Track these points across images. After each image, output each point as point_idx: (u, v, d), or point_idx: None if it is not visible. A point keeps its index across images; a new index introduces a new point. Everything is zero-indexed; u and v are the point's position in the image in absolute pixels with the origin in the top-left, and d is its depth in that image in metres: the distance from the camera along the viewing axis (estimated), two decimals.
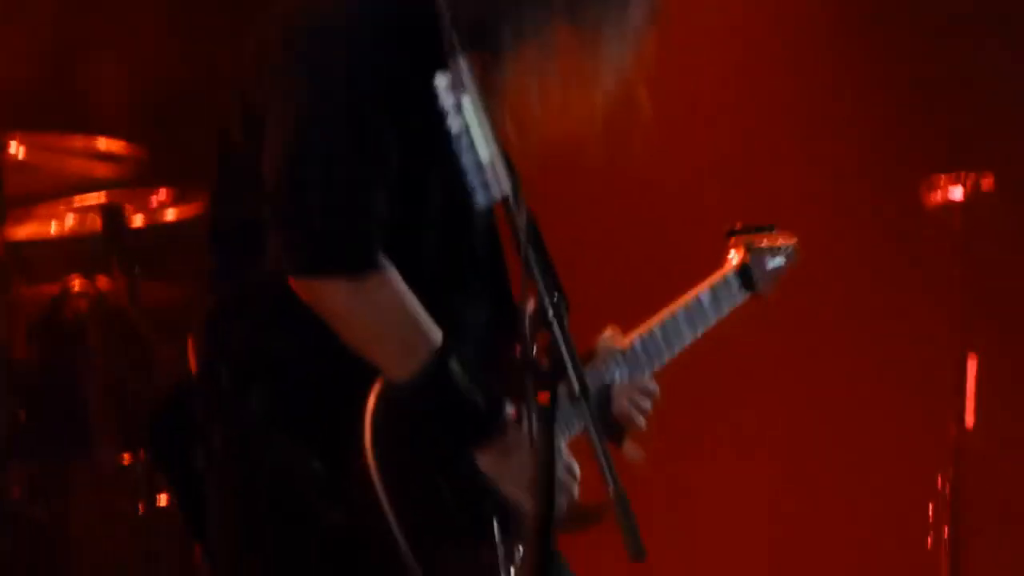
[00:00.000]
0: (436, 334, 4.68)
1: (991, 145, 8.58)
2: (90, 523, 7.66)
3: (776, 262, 5.64)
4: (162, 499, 7.67)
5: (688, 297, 5.39)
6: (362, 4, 4.76)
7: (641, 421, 5.20)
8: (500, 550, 4.70)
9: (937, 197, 7.58)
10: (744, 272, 5.56)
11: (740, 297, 5.55)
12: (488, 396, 4.75)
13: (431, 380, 4.68)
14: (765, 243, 5.64)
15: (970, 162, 7.66)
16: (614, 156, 4.87)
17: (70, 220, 8.11)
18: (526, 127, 4.82)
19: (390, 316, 4.68)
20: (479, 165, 4.42)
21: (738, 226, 5.64)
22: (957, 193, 7.54)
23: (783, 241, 5.70)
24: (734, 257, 5.59)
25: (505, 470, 4.76)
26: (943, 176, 7.60)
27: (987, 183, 7.55)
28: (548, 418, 4.28)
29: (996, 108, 8.82)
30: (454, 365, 4.69)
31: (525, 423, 4.40)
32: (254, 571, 4.79)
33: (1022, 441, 8.66)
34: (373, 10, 4.74)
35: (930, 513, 7.59)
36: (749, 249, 5.59)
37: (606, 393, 5.19)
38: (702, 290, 5.43)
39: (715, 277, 5.51)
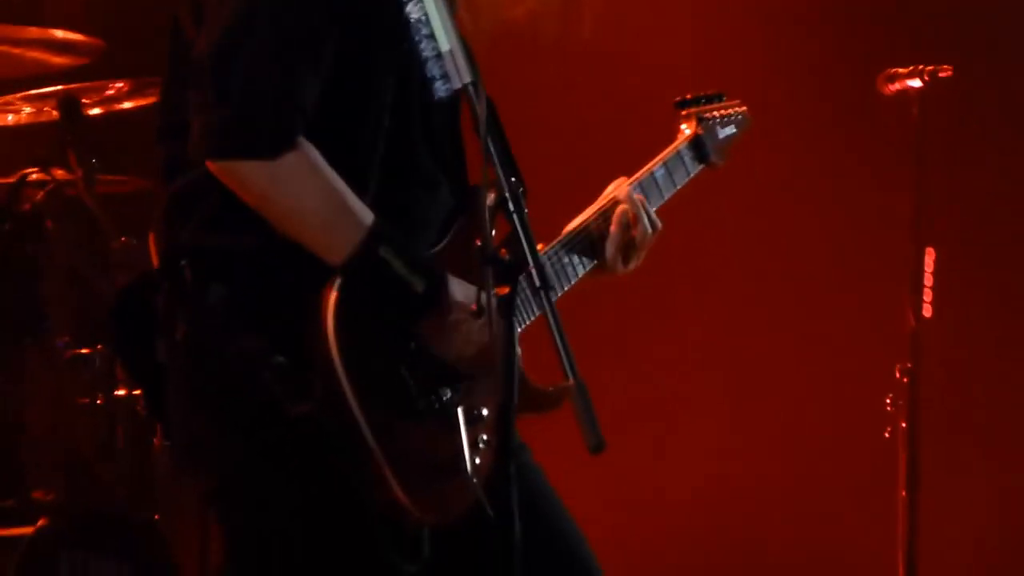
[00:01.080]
0: (365, 216, 4.68)
1: (951, 38, 8.55)
2: (44, 410, 7.64)
3: (727, 131, 5.63)
4: (121, 391, 7.66)
5: (642, 173, 5.34)
6: None
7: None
8: (464, 436, 4.67)
9: (895, 88, 7.54)
10: (697, 143, 5.54)
11: (693, 169, 5.52)
12: (428, 275, 4.73)
13: (362, 263, 4.68)
14: (716, 113, 5.61)
15: (929, 57, 7.62)
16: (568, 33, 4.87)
17: (26, 111, 8.06)
18: (479, 8, 4.80)
19: (310, 198, 4.69)
20: (439, 54, 4.42)
21: (688, 96, 5.60)
22: (915, 84, 7.50)
23: (733, 109, 5.68)
24: (686, 129, 5.57)
25: (451, 350, 4.76)
26: (901, 69, 7.56)
27: (945, 74, 7.51)
28: (507, 311, 4.30)
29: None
30: (386, 248, 4.67)
31: (483, 313, 4.44)
32: (217, 461, 4.76)
33: (979, 331, 8.68)
34: None
35: (888, 404, 7.59)
36: (700, 120, 5.57)
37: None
38: (655, 165, 5.39)
39: (668, 151, 5.47)
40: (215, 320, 4.70)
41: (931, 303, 7.55)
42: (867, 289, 8.59)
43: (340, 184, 4.67)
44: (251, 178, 4.64)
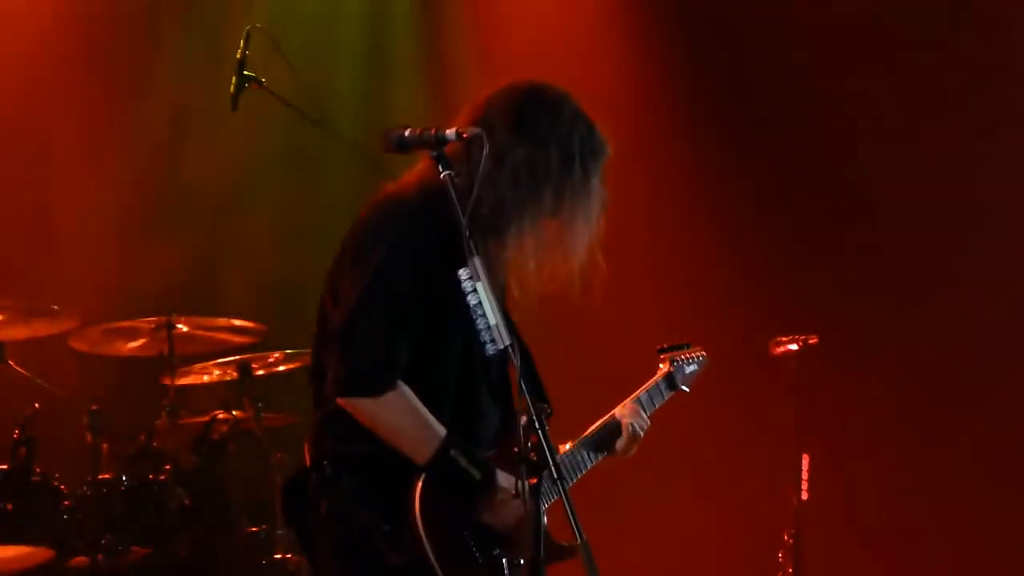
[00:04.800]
0: (441, 431, 4.73)
1: (818, 312, 8.55)
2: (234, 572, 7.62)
3: (691, 368, 5.58)
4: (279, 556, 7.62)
5: (634, 396, 5.35)
6: (409, 220, 4.78)
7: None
8: None
9: (780, 350, 7.53)
10: (669, 378, 5.50)
11: (667, 394, 5.49)
12: (482, 468, 4.76)
13: (439, 462, 4.71)
14: (683, 355, 5.59)
15: (802, 327, 7.61)
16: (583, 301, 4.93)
17: (216, 373, 8.07)
18: (526, 288, 4.86)
19: (403, 421, 4.72)
20: (488, 326, 4.47)
21: (665, 345, 5.60)
22: (793, 347, 7.49)
23: (696, 353, 5.65)
24: (663, 367, 5.54)
25: (499, 520, 4.76)
26: (783, 337, 7.55)
27: (813, 341, 7.50)
28: (536, 493, 4.29)
29: (821, 285, 8.82)
30: (455, 451, 4.72)
31: (520, 496, 4.39)
32: None
33: (840, 508, 8.59)
34: (413, 223, 4.77)
35: (780, 557, 7.50)
36: (672, 361, 5.54)
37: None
38: (641, 393, 5.39)
39: (650, 383, 5.45)
40: (345, 500, 4.74)
41: (807, 489, 7.47)
42: (763, 482, 8.48)
43: (424, 412, 4.75)
44: (364, 410, 4.71)
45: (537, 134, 4.82)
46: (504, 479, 4.78)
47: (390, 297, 4.70)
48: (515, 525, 4.75)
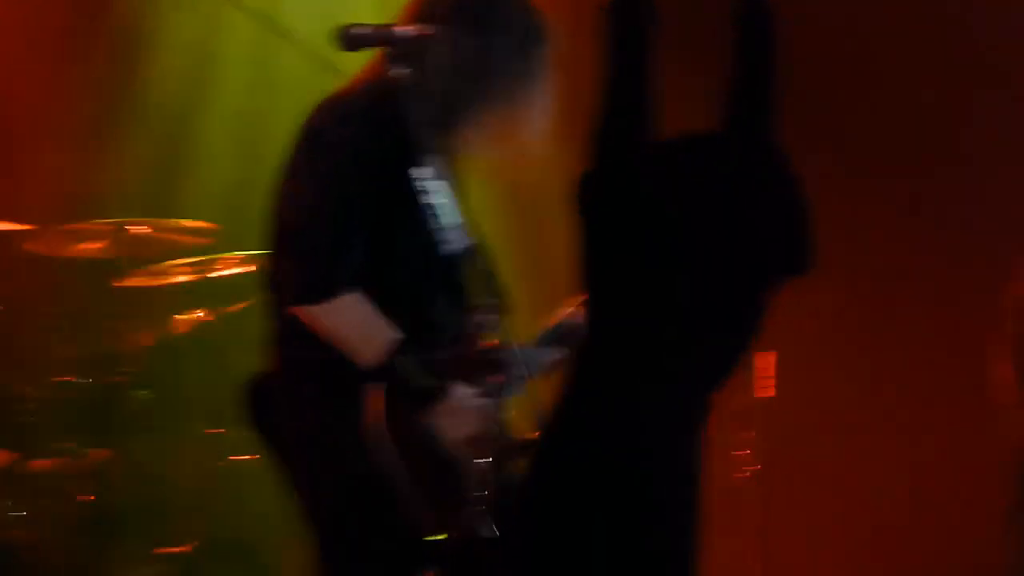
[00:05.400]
0: (393, 334, 4.67)
1: None
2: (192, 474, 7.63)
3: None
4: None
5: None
6: (355, 119, 4.71)
7: None
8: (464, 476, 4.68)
9: None
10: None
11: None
12: (435, 375, 4.71)
13: (389, 366, 4.65)
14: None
15: None
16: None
17: (171, 274, 7.99)
18: (482, 182, 4.86)
19: (354, 326, 4.66)
20: (444, 226, 4.45)
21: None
22: None
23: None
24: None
25: (446, 428, 4.70)
26: None
27: None
28: (496, 392, 4.30)
29: None
30: (403, 355, 4.65)
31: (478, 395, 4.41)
32: (322, 497, 4.77)
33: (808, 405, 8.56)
34: (358, 123, 4.70)
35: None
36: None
37: None
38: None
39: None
40: (308, 406, 4.74)
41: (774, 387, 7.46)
42: None
43: (376, 316, 4.69)
44: (314, 316, 4.67)
45: (481, 24, 4.76)
46: (460, 384, 4.73)
47: (336, 200, 4.63)
48: (473, 428, 4.69)
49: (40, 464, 7.31)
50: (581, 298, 5.10)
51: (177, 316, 7.72)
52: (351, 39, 4.55)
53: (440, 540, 4.63)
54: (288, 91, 8.65)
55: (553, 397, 4.55)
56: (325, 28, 4.55)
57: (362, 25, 4.57)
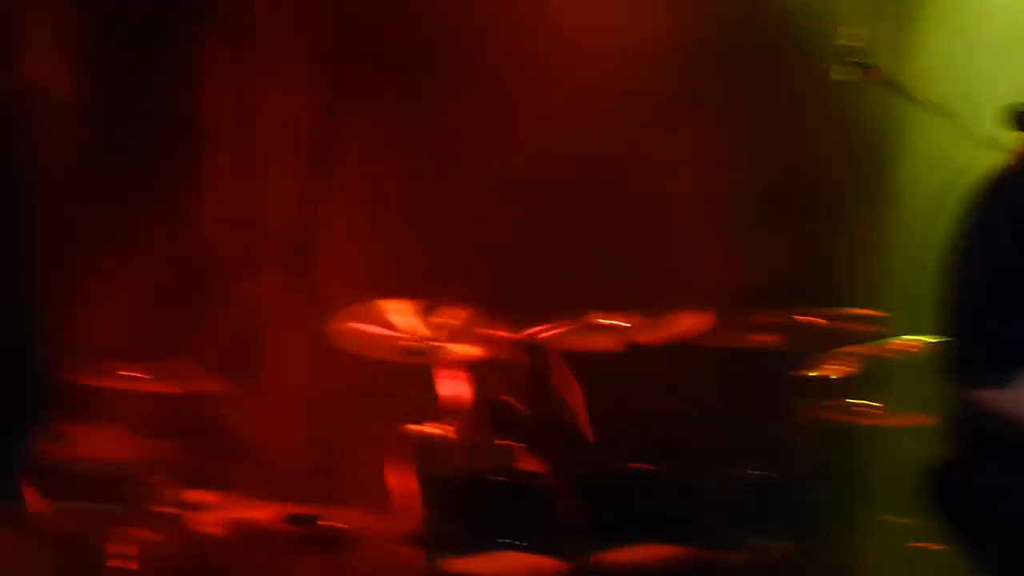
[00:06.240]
0: None
1: None
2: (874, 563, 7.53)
3: None
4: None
5: None
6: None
7: None
8: None
9: None
10: None
11: None
12: None
13: None
14: None
15: None
16: None
17: (838, 364, 7.97)
18: None
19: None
20: None
21: None
22: None
23: None
24: None
25: None
26: None
27: None
28: None
29: None
30: None
31: None
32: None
33: None
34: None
35: None
36: None
37: None
38: None
39: None
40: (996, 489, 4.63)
41: None
42: None
43: None
44: (994, 399, 4.56)
45: None
46: None
47: (1010, 276, 4.53)
48: None
49: (718, 557, 7.40)
50: None
51: (849, 403, 7.69)
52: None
53: None
54: (935, 166, 8.53)
55: None
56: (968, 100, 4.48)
57: None
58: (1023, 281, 4.50)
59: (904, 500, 7.48)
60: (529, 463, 7.12)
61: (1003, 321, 4.51)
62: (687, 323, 7.80)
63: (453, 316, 7.41)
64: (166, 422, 7.42)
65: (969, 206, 4.66)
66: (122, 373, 7.18)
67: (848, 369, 7.94)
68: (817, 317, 7.80)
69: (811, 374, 7.90)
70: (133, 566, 6.89)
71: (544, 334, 7.57)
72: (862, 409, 7.66)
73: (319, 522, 7.18)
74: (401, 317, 7.41)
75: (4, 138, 8.15)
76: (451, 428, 7.22)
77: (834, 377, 8.00)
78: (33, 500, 7.00)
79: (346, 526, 7.21)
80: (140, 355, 7.32)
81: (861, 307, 7.89)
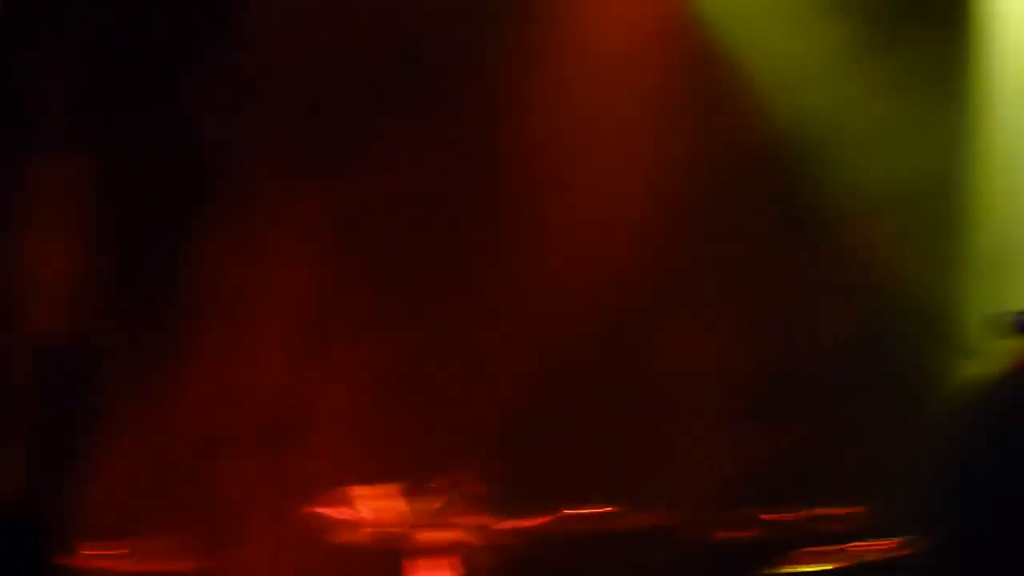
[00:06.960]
0: None
1: None
2: None
3: None
4: None
5: None
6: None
7: None
8: None
9: None
10: None
11: None
12: None
13: None
14: None
15: None
16: None
17: None
18: None
19: None
20: None
21: None
22: None
23: None
24: None
25: None
26: None
27: None
28: None
29: None
30: None
31: None
32: None
33: None
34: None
35: None
36: None
37: None
38: None
39: None
40: None
41: None
42: None
43: None
44: None
45: None
46: None
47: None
48: None
49: None
50: None
51: None
52: None
53: None
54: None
55: None
56: None
57: None
58: None
59: None
60: None
61: None
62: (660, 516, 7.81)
63: (436, 500, 7.39)
64: None
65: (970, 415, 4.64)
66: (98, 552, 7.18)
67: (823, 568, 7.89)
68: (792, 514, 7.78)
69: (784, 571, 7.85)
70: None
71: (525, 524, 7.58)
72: None
73: None
74: (380, 502, 7.39)
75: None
76: None
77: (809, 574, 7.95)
78: None
79: None
80: (117, 532, 7.31)
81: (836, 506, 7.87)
